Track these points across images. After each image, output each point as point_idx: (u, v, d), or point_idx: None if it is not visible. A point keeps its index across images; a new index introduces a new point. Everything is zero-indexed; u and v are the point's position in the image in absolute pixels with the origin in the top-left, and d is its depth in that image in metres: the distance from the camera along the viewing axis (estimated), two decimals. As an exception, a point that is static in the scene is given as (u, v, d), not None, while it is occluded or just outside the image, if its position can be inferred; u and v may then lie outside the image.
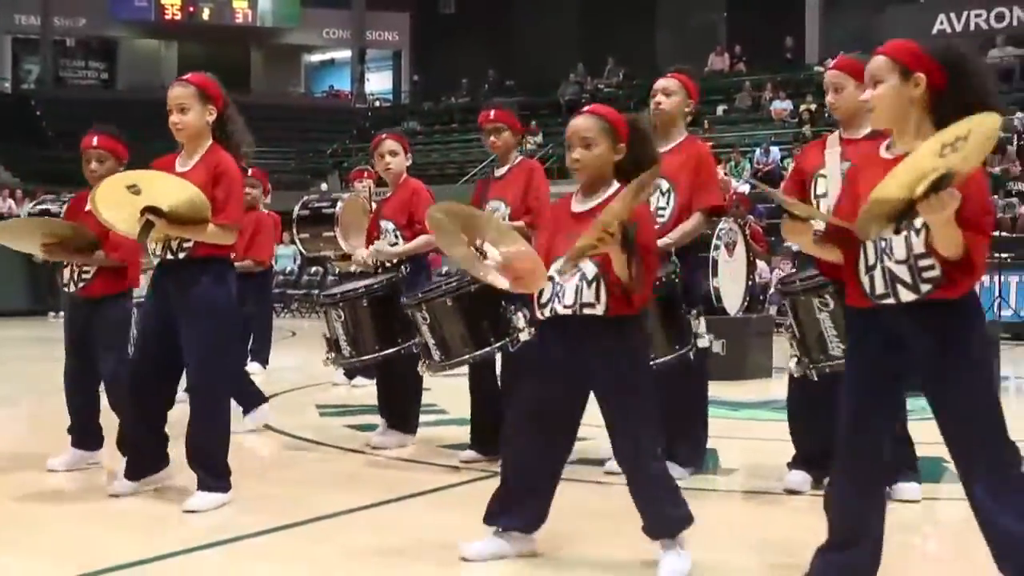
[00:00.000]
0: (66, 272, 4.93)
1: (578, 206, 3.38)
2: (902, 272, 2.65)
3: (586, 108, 3.52)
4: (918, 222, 2.53)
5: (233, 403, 5.12)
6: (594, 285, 3.18)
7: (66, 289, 5.01)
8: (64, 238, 4.69)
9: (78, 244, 4.69)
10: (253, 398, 6.13)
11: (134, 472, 4.30)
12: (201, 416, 4.19)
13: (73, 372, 4.98)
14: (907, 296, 2.65)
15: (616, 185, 3.31)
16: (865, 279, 2.73)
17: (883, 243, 2.67)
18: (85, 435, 4.95)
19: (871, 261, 2.71)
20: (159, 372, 4.27)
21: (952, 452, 2.72)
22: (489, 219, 3.63)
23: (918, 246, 2.61)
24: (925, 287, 2.63)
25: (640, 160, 3.31)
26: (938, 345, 2.66)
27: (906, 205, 2.44)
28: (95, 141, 4.80)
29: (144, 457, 4.31)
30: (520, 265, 3.24)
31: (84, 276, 4.86)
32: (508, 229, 3.44)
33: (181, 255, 4.11)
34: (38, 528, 3.95)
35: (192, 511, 4.02)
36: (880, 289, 2.70)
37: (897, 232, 2.54)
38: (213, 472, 4.16)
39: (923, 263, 2.62)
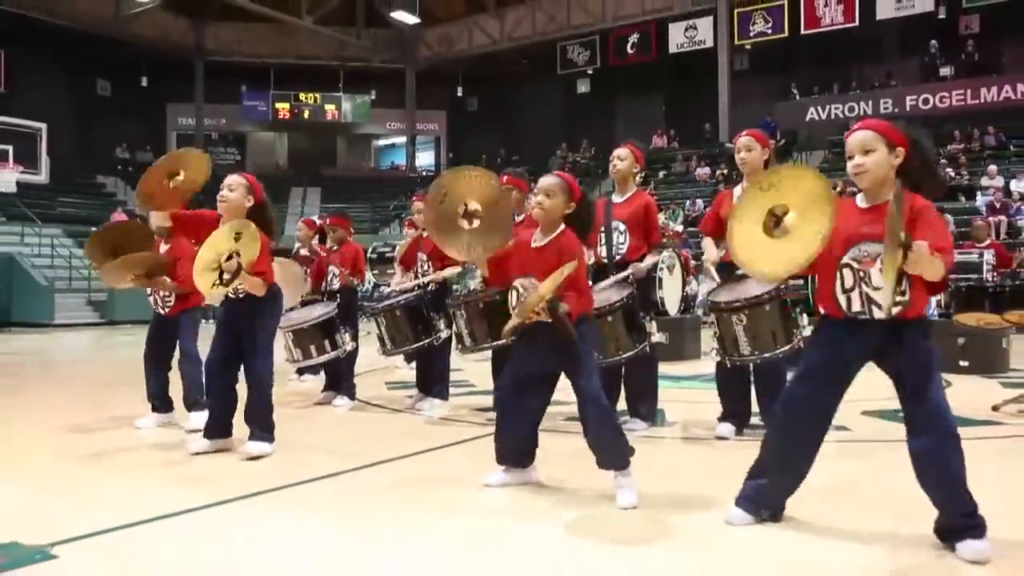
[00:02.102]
0: (152, 298, 4.97)
1: (536, 242, 3.36)
2: (879, 297, 2.53)
3: (556, 171, 3.51)
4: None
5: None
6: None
7: (155, 309, 5.01)
8: (147, 267, 4.63)
9: (156, 270, 4.65)
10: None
11: (212, 434, 4.22)
12: (256, 391, 4.13)
13: (155, 360, 4.99)
14: (879, 315, 2.55)
15: (562, 227, 3.30)
16: (842, 298, 2.62)
17: (862, 272, 2.57)
18: (162, 403, 4.97)
19: (848, 284, 2.61)
20: (228, 362, 4.21)
21: (908, 415, 2.64)
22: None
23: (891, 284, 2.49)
24: (896, 309, 2.53)
25: (583, 217, 3.35)
26: (906, 352, 2.58)
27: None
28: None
29: (219, 423, 4.22)
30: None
31: (167, 302, 4.90)
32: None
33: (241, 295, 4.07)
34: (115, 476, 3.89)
35: (253, 457, 4.00)
36: (856, 308, 2.60)
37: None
38: (262, 428, 4.12)
39: (898, 299, 2.52)
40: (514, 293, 3.34)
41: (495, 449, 3.46)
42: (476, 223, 3.48)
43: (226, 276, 3.83)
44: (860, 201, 2.70)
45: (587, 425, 3.20)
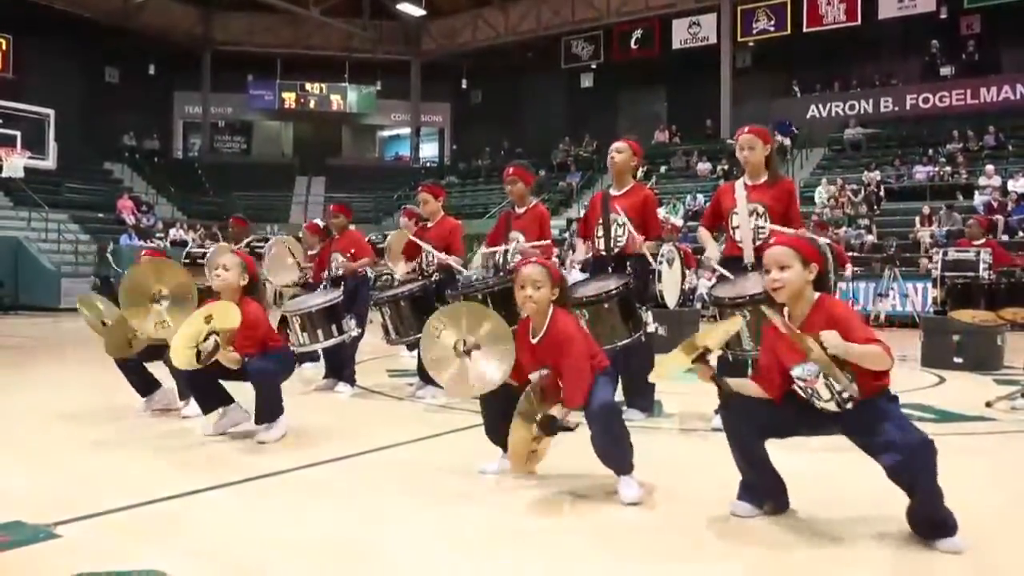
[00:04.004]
0: None
1: (532, 339, 3.29)
2: (830, 406, 2.62)
3: (535, 259, 3.49)
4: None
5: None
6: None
7: None
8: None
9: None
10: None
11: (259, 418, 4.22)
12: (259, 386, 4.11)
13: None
14: (834, 409, 2.63)
15: (551, 312, 3.26)
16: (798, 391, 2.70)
17: (809, 391, 2.64)
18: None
19: (801, 396, 2.69)
20: None
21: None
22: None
23: (836, 386, 2.56)
24: (848, 405, 2.60)
25: (564, 293, 3.33)
26: (864, 426, 2.59)
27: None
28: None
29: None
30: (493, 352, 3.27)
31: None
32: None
33: None
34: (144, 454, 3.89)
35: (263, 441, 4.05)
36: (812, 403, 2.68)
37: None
38: (272, 418, 4.16)
39: (844, 395, 2.58)
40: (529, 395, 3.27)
41: (493, 438, 3.47)
42: (478, 353, 3.32)
43: (203, 356, 3.89)
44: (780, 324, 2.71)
45: (591, 435, 3.17)
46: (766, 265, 2.74)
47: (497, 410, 3.37)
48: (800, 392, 2.68)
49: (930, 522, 2.55)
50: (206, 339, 3.87)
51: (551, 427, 3.16)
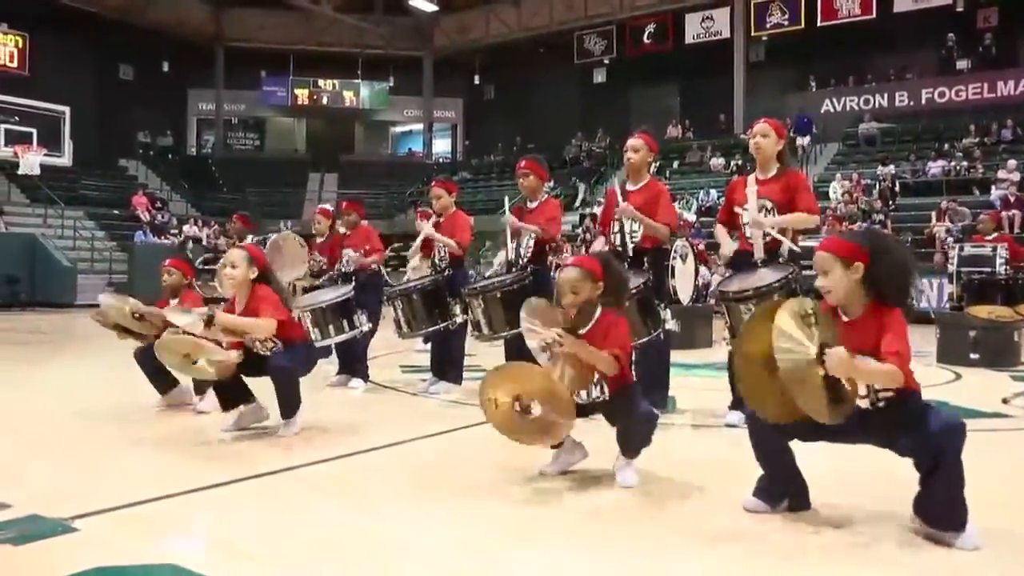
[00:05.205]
0: None
1: (581, 330, 3.24)
2: (864, 403, 2.57)
3: (572, 260, 3.38)
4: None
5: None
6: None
7: None
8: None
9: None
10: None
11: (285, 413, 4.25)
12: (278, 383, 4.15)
13: None
14: (866, 406, 2.59)
15: (599, 311, 3.23)
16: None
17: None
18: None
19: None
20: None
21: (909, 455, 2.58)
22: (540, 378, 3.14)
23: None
24: (881, 403, 2.57)
25: (617, 290, 3.28)
26: (896, 423, 2.56)
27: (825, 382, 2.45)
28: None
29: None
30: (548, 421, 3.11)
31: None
32: (555, 392, 3.05)
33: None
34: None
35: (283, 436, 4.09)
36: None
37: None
38: (290, 414, 4.17)
39: (880, 393, 2.56)
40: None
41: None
42: (537, 412, 3.09)
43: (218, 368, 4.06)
44: (843, 314, 2.67)
45: (627, 410, 3.19)
46: (815, 270, 2.70)
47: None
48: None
49: (943, 508, 2.51)
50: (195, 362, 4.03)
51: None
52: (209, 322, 3.96)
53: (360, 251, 6.19)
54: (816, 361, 2.43)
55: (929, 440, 2.46)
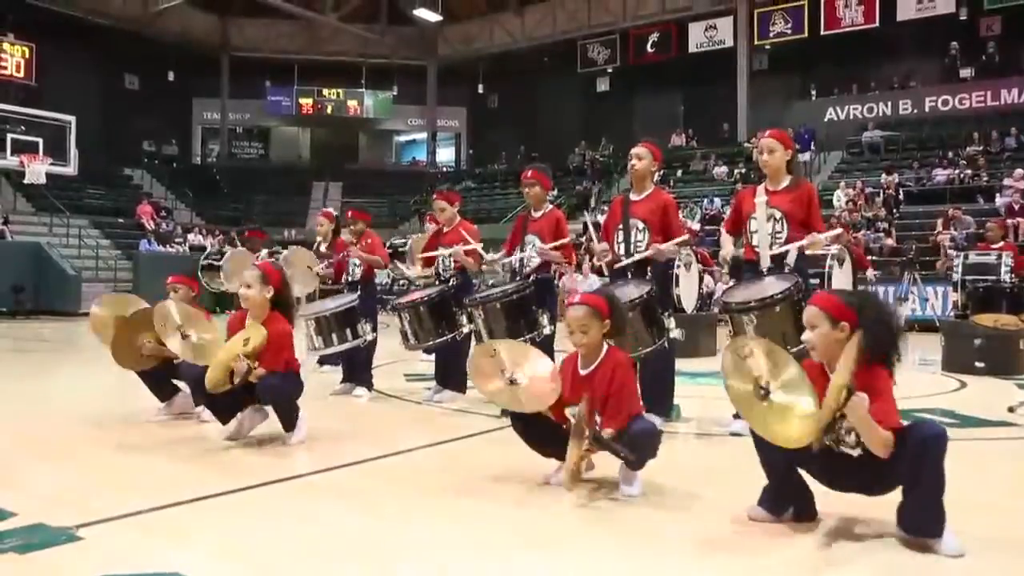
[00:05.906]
0: None
1: (581, 370, 3.30)
2: (855, 452, 2.55)
3: (578, 298, 3.35)
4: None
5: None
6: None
7: None
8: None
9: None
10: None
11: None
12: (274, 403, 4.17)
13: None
14: (858, 453, 2.55)
15: (605, 348, 3.25)
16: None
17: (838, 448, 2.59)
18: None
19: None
20: None
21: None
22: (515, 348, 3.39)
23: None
24: (855, 452, 2.55)
25: (620, 327, 3.31)
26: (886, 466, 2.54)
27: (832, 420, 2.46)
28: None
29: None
30: (538, 387, 3.19)
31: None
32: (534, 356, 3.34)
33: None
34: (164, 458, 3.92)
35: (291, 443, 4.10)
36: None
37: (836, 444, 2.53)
38: (290, 427, 4.18)
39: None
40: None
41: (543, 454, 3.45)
42: (519, 385, 3.30)
43: (237, 378, 4.00)
44: (829, 371, 2.65)
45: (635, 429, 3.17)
46: (804, 322, 2.70)
47: (537, 438, 3.38)
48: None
49: (921, 516, 2.50)
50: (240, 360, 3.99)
51: (600, 442, 3.09)
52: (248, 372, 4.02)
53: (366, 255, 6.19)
54: (755, 394, 2.55)
55: (909, 450, 2.46)
